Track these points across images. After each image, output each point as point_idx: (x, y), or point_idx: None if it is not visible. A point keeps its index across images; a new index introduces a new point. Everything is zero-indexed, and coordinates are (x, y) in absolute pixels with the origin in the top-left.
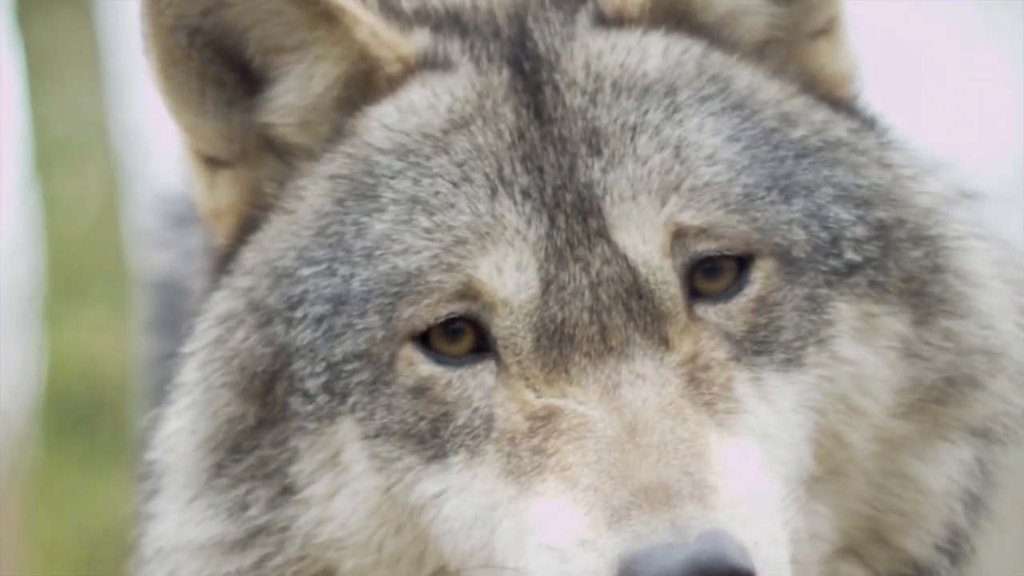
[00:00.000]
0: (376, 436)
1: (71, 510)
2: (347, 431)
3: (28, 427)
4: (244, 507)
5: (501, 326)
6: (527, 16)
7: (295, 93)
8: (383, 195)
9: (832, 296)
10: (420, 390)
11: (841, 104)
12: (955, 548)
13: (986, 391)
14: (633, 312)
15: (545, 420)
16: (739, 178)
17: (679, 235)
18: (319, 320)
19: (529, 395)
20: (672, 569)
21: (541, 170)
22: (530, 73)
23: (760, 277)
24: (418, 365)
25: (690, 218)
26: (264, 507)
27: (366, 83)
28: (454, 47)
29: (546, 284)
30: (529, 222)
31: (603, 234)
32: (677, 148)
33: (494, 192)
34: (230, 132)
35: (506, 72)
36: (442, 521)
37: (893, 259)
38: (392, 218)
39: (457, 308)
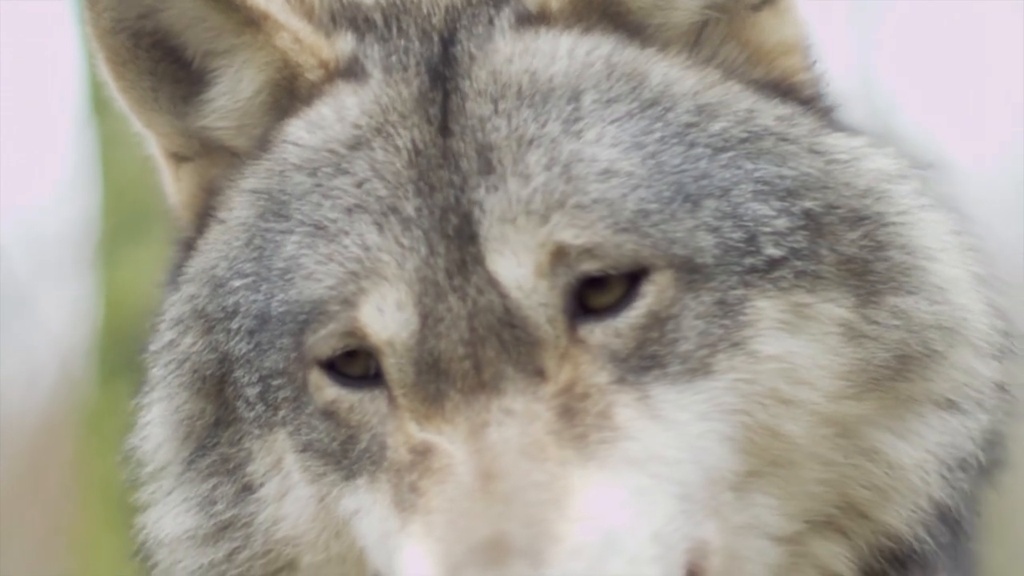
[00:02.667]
0: (304, 451)
1: (123, 447)
2: (283, 441)
3: (83, 365)
4: (212, 502)
5: (386, 363)
6: (461, 17)
7: (227, 97)
8: (293, 215)
9: (749, 296)
10: (329, 413)
11: (780, 85)
12: (945, 524)
13: (947, 364)
14: (506, 343)
15: (423, 456)
16: (634, 192)
17: (560, 255)
18: (250, 333)
19: (413, 428)
20: None
21: (432, 190)
22: (444, 81)
23: (652, 291)
24: (325, 389)
25: (572, 237)
26: (229, 502)
27: (291, 90)
28: (373, 54)
29: (424, 318)
30: (412, 251)
31: (480, 260)
32: (568, 164)
33: (383, 220)
34: (186, 128)
35: (420, 81)
36: (360, 536)
37: (826, 246)
38: (298, 240)
39: (351, 343)
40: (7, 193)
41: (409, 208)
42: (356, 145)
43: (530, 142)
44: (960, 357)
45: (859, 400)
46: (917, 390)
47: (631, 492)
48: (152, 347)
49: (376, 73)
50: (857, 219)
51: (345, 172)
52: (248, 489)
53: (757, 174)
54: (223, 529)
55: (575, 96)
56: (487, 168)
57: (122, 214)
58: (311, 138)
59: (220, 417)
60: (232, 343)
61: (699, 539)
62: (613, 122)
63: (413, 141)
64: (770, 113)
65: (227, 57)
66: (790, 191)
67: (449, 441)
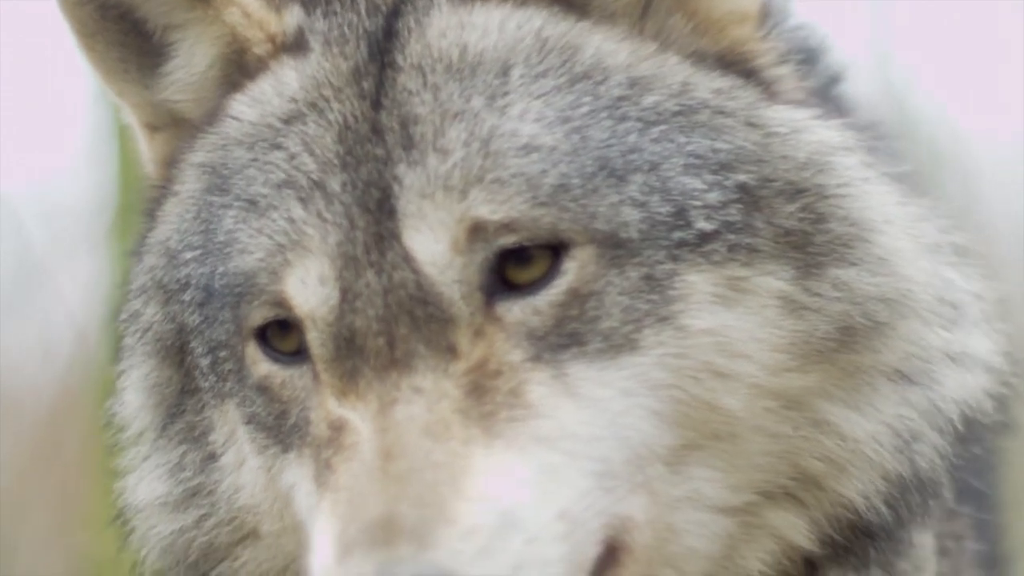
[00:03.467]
0: (248, 423)
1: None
2: (233, 412)
3: (98, 338)
4: (182, 468)
5: (309, 336)
6: None
7: (184, 70)
8: (232, 189)
9: (679, 270)
10: (263, 387)
11: (727, 56)
12: (907, 498)
13: (893, 335)
14: (418, 320)
15: (338, 432)
16: (555, 167)
17: (477, 230)
18: (200, 305)
19: (332, 404)
20: None
21: (358, 165)
22: (383, 54)
23: (573, 268)
24: (259, 363)
25: (489, 212)
26: (196, 469)
27: (240, 64)
28: (318, 27)
29: (344, 293)
30: (335, 226)
31: (397, 236)
32: (488, 139)
33: (309, 195)
34: (153, 100)
35: (359, 54)
36: (297, 510)
37: (763, 219)
38: (235, 215)
39: (280, 312)
40: (23, 167)
41: (335, 183)
42: (291, 120)
43: (453, 117)
44: (907, 329)
45: (803, 372)
46: (864, 361)
47: (537, 471)
48: (122, 316)
49: (317, 47)
50: (795, 192)
51: (279, 147)
52: (212, 457)
53: (689, 148)
54: (192, 496)
55: (504, 70)
56: (409, 143)
57: (137, 189)
58: (251, 112)
59: (184, 385)
60: (186, 315)
61: (621, 515)
62: (540, 96)
63: (344, 115)
64: (707, 86)
65: (182, 31)
66: (723, 165)
67: (360, 418)
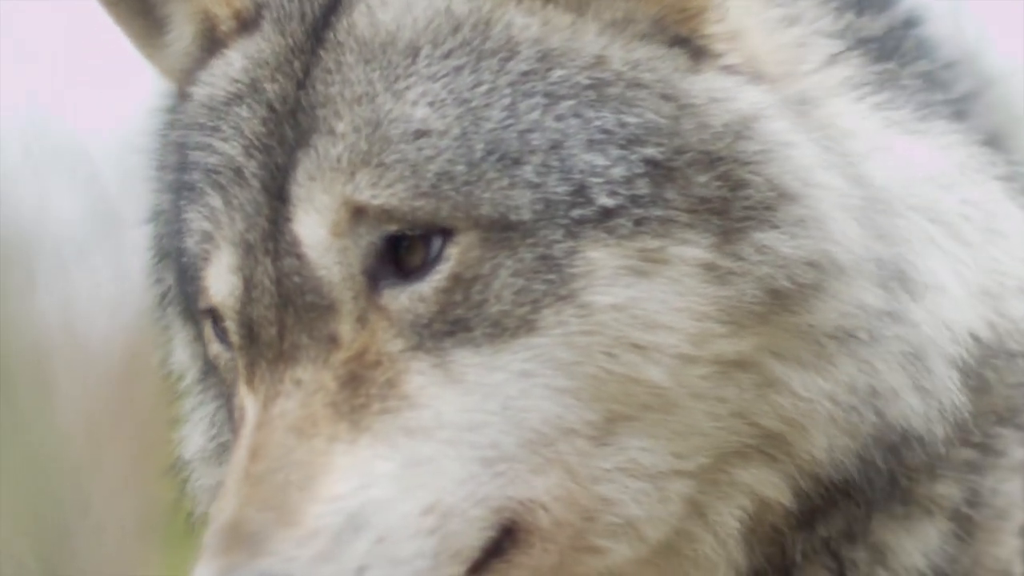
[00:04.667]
0: (220, 397)
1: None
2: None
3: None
4: (213, 424)
5: (226, 324)
6: None
7: (177, 44)
8: (187, 170)
9: (579, 247)
10: (215, 365)
11: (657, 24)
12: (893, 453)
13: (826, 296)
14: (303, 308)
15: (240, 422)
16: (442, 154)
17: (359, 215)
18: (182, 277)
19: (242, 392)
20: None
21: (273, 149)
22: (318, 32)
23: (455, 254)
24: (212, 343)
25: (371, 197)
26: (225, 425)
27: (212, 41)
28: (273, 4)
29: (246, 283)
30: (244, 214)
31: (289, 220)
32: (380, 124)
33: (230, 181)
34: (171, 67)
35: (299, 33)
36: None
37: (675, 190)
38: (186, 197)
39: (209, 301)
40: (98, 109)
41: (252, 167)
42: (231, 101)
43: (354, 99)
44: (842, 289)
45: (738, 337)
46: (803, 322)
47: (403, 464)
48: (151, 278)
49: (267, 25)
50: (711, 161)
51: (217, 130)
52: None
53: (597, 123)
54: (224, 452)
55: (413, 51)
56: (314, 125)
57: None
58: (202, 93)
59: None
60: (184, 283)
61: (520, 497)
62: (441, 78)
63: (273, 96)
64: (624, 57)
65: (172, 5)
66: (631, 139)
67: (251, 411)
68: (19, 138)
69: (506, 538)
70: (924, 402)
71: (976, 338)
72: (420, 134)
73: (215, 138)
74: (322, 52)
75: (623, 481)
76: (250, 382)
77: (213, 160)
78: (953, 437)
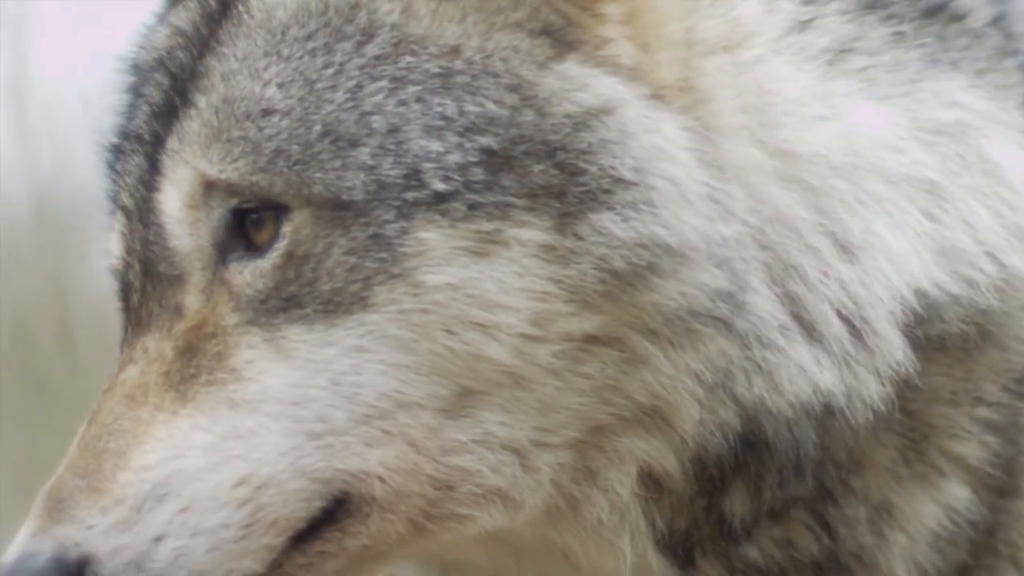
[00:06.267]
0: None
1: None
2: None
3: None
4: None
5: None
6: None
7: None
8: (113, 133)
9: (411, 228)
10: None
11: (535, 12)
12: (790, 429)
13: (665, 276)
14: (159, 277)
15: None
16: (280, 133)
17: (210, 189)
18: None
19: (118, 354)
20: None
21: (163, 117)
22: (231, 2)
23: (288, 231)
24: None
25: (218, 172)
26: None
27: (165, 9)
28: None
29: (127, 249)
30: (131, 183)
31: (156, 190)
32: (235, 101)
33: (129, 148)
34: None
35: (215, 4)
36: None
37: (512, 178)
38: (106, 160)
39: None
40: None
41: (146, 135)
42: (152, 68)
43: (224, 75)
44: (677, 271)
45: (585, 315)
46: (647, 301)
47: (222, 436)
48: None
49: None
50: (548, 151)
51: (139, 95)
52: None
53: (438, 109)
54: None
55: (282, 31)
56: (192, 98)
57: None
58: (137, 59)
59: None
60: None
61: (351, 470)
62: (295, 59)
63: (177, 66)
64: (478, 47)
65: None
66: (469, 127)
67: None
68: (78, 103)
69: (339, 508)
70: (835, 366)
71: (949, 294)
72: (266, 113)
73: (135, 104)
74: (224, 23)
75: (480, 453)
76: (121, 345)
77: (128, 125)
78: (917, 396)
